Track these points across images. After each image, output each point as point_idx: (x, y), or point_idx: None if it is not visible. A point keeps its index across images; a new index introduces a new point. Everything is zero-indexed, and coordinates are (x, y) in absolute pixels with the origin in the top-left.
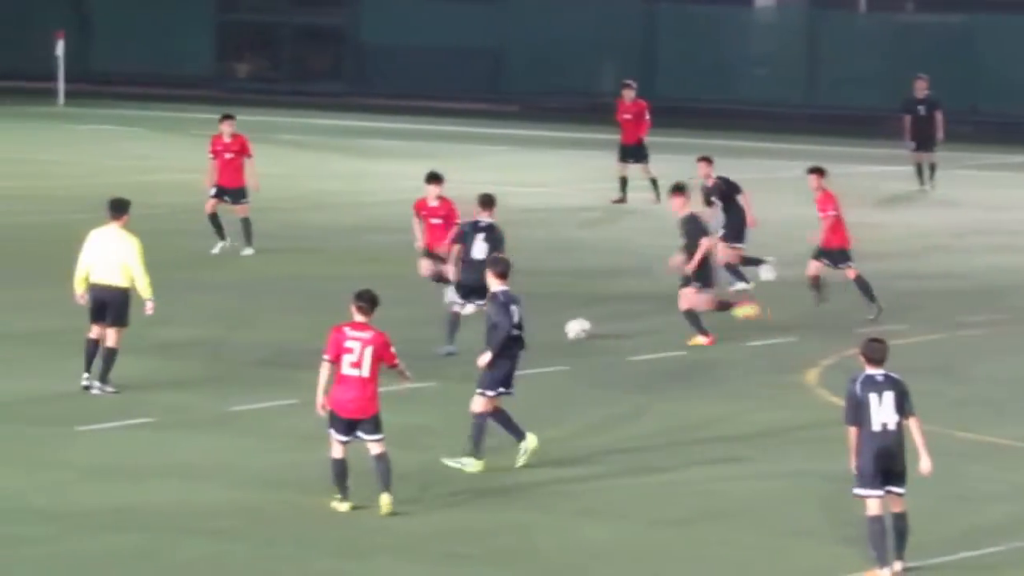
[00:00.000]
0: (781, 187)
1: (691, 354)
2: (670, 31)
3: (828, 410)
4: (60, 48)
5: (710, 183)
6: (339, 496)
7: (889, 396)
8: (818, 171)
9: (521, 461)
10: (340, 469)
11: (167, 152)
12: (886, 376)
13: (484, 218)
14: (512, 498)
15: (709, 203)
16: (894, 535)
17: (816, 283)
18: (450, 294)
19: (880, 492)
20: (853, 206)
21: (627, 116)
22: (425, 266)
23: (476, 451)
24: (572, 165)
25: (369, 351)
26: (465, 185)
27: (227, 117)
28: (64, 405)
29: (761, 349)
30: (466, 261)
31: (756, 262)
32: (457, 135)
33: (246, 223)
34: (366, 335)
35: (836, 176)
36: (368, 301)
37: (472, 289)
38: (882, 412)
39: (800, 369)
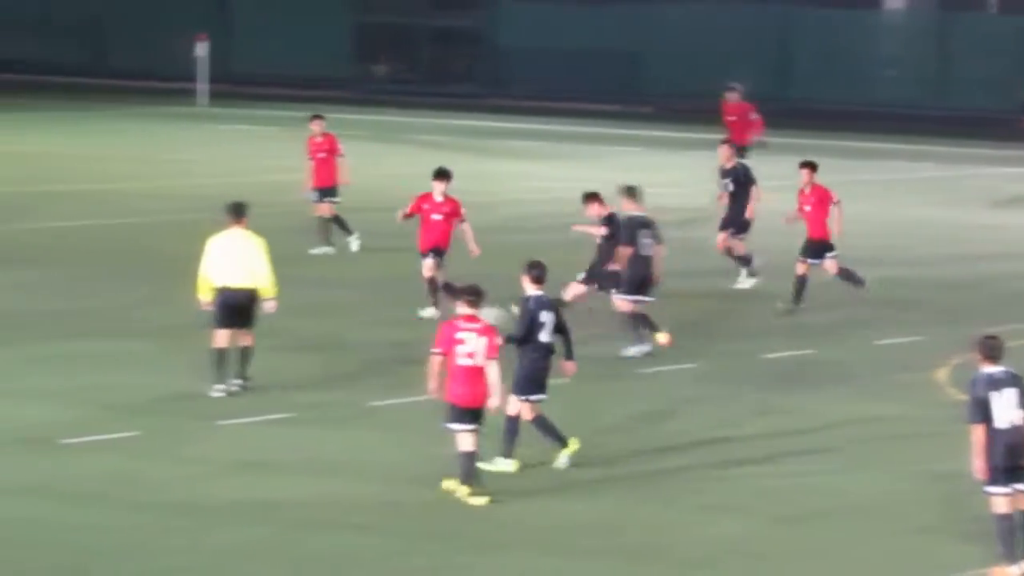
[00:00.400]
0: (911, 187)
1: (821, 352)
2: (802, 34)
3: (956, 408)
4: (202, 49)
5: (729, 165)
6: (473, 490)
7: (1011, 392)
8: (810, 165)
9: (558, 463)
10: (471, 462)
11: (304, 151)
12: (1006, 372)
13: (637, 212)
14: (635, 491)
15: (724, 186)
16: (1022, 533)
17: (802, 281)
18: (620, 295)
19: (1008, 489)
20: (977, 208)
21: (732, 118)
22: (428, 267)
23: (507, 450)
24: (703, 167)
25: (483, 341)
26: (594, 184)
27: (316, 117)
28: (204, 400)
29: (891, 348)
30: (635, 257)
31: (746, 262)
32: (591, 136)
33: (336, 220)
34: (478, 326)
35: (962, 177)
36: (475, 294)
37: (643, 283)
38: (1006, 409)
39: (929, 368)
